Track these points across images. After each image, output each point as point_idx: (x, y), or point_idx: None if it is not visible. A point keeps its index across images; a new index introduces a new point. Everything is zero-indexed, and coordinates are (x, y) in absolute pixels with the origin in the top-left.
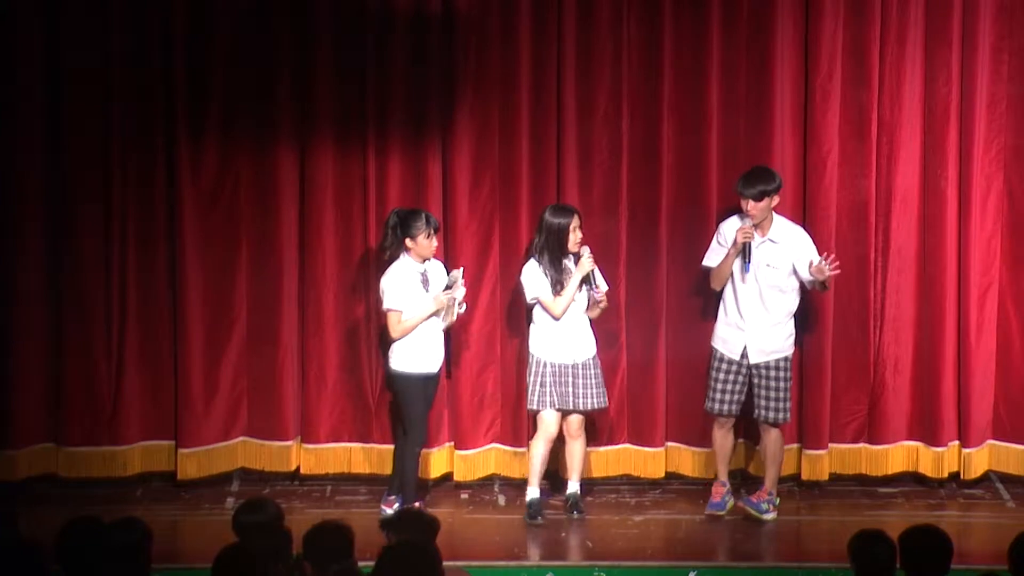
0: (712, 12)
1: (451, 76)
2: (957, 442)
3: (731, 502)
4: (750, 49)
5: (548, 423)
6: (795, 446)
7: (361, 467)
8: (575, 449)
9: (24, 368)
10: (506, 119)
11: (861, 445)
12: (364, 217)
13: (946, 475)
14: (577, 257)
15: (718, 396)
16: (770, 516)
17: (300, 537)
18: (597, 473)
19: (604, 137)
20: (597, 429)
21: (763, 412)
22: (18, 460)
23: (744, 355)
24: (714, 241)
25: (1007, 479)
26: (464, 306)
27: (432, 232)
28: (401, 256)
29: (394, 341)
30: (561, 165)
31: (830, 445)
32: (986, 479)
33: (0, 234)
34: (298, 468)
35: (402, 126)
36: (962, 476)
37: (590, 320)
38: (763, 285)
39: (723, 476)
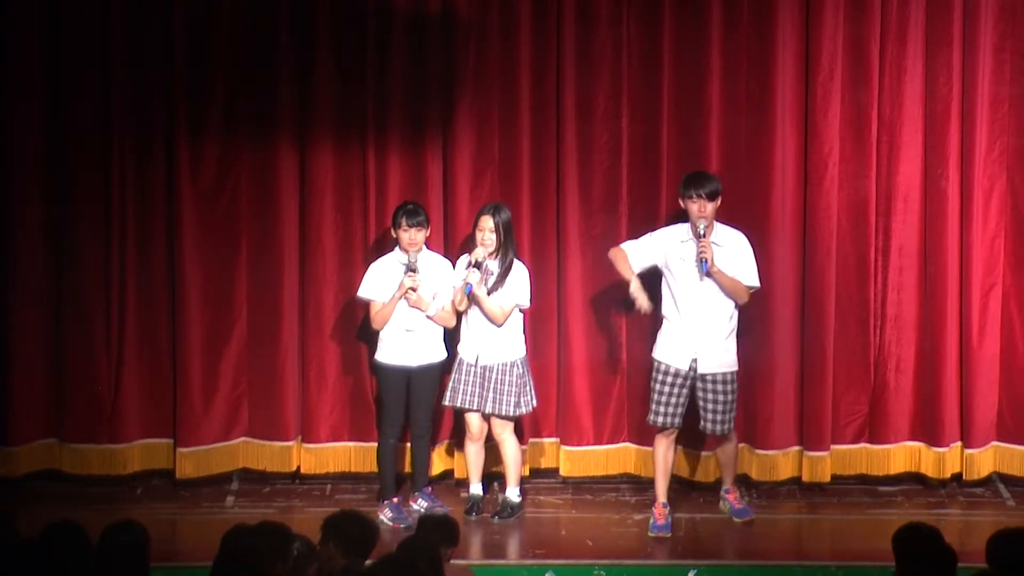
0: (712, 11)
1: (451, 75)
2: (959, 443)
3: (670, 520)
4: (750, 48)
5: (467, 422)
6: (796, 448)
7: (361, 466)
8: (502, 452)
9: (24, 366)
10: (506, 118)
11: (862, 445)
12: (364, 216)
13: (948, 476)
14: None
15: (662, 409)
16: (753, 514)
17: (300, 533)
18: (597, 472)
19: (604, 136)
20: (598, 428)
21: (710, 424)
22: (19, 456)
23: (692, 366)
24: (648, 236)
25: (1009, 480)
26: (436, 297)
27: (409, 225)
28: (395, 249)
29: (375, 331)
30: (561, 164)
31: (831, 446)
32: (988, 480)
33: (0, 234)
34: (298, 468)
35: (402, 125)
36: (964, 477)
37: (518, 325)
38: (711, 290)
39: (664, 496)
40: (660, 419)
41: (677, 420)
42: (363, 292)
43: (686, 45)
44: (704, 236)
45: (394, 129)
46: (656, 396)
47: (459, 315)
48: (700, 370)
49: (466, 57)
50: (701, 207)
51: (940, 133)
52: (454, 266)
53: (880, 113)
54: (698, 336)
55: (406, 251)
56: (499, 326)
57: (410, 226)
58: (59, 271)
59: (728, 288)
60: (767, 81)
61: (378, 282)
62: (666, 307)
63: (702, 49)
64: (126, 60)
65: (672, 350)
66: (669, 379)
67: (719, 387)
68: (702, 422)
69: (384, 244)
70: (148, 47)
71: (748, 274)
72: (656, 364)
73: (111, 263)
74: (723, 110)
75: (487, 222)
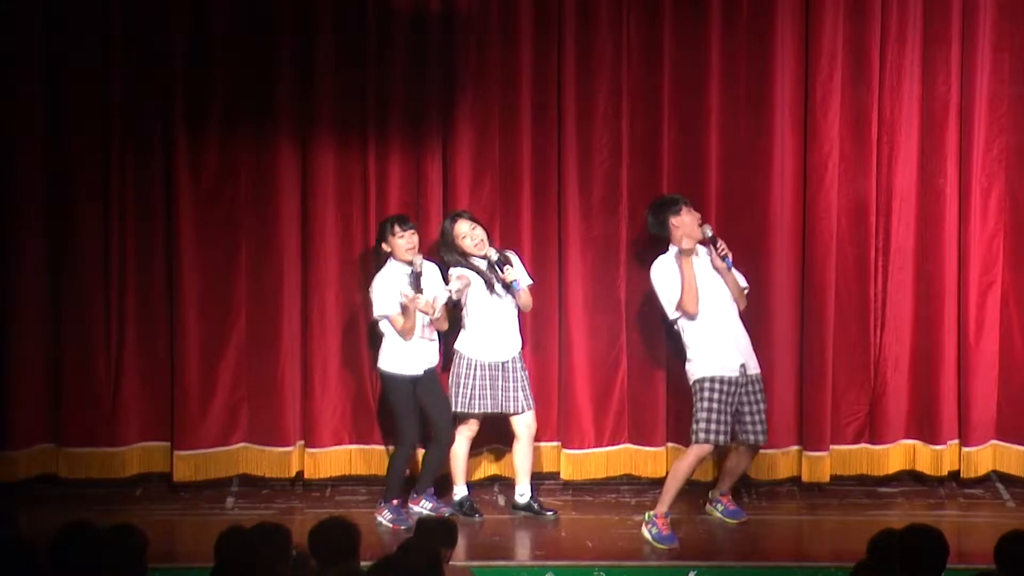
0: (712, 12)
1: (451, 76)
2: (957, 441)
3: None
4: (750, 49)
5: (470, 425)
6: (795, 448)
7: (362, 469)
8: (525, 449)
9: (24, 368)
10: (506, 119)
11: (862, 446)
12: (365, 217)
13: (945, 473)
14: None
15: (721, 428)
16: (746, 515)
17: (301, 535)
18: (597, 473)
19: (604, 137)
20: (598, 430)
21: (752, 436)
22: (18, 460)
23: (743, 370)
24: (670, 281)
25: (1007, 479)
26: (440, 301)
27: (404, 229)
28: (388, 262)
29: (402, 338)
30: (561, 165)
31: (831, 447)
32: (986, 479)
33: (0, 234)
34: (299, 473)
35: (402, 126)
36: (961, 475)
37: (517, 321)
38: (729, 293)
39: (669, 508)
40: (719, 437)
41: (730, 435)
42: (380, 310)
43: (686, 45)
44: (714, 235)
45: (394, 129)
46: (712, 415)
47: (457, 317)
48: (750, 371)
49: (466, 58)
50: (697, 218)
51: (939, 133)
52: (444, 278)
53: (880, 113)
54: (739, 338)
55: (402, 260)
56: (527, 311)
57: (405, 230)
58: (59, 272)
59: (735, 291)
60: (767, 81)
61: (391, 295)
62: (702, 318)
63: (702, 49)
64: (126, 60)
65: (719, 360)
66: (725, 388)
67: (758, 394)
68: (743, 435)
69: None
70: (148, 47)
71: (738, 276)
72: (703, 381)
73: (111, 263)
74: (723, 110)
75: (467, 225)
